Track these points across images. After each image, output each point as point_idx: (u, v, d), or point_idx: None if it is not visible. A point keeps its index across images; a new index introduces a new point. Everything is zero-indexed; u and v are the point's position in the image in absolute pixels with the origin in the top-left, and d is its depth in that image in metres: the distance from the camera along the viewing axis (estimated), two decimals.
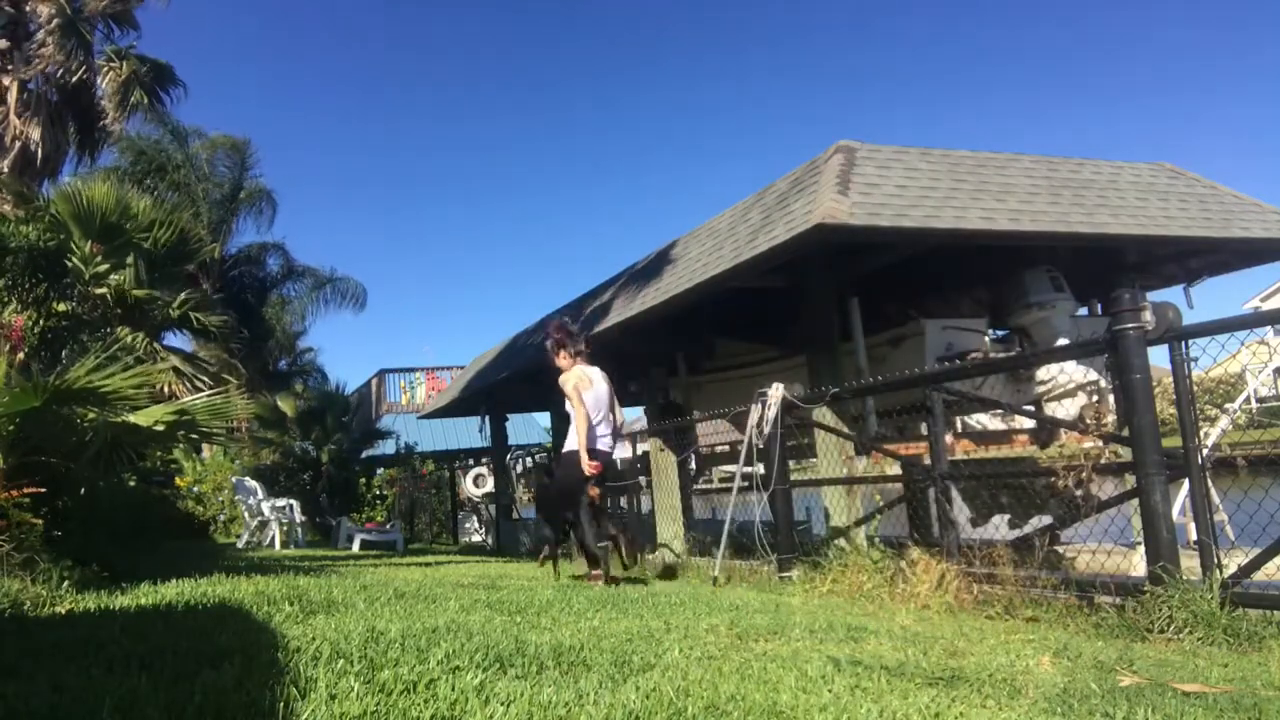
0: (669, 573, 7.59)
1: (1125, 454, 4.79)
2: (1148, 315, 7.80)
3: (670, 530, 9.56)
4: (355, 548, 13.10)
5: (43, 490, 4.70)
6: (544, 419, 24.08)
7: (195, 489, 15.48)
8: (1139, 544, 5.03)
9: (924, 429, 6.68)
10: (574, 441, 6.37)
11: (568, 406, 6.50)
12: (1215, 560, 4.00)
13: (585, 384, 6.46)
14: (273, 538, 12.80)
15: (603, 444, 6.47)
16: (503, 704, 2.12)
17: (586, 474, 6.23)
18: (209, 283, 19.20)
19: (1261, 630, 3.66)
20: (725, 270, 7.64)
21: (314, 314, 24.87)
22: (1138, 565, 5.22)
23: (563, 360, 6.64)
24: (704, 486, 13.02)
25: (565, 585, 5.74)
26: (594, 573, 6.12)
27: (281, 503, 13.56)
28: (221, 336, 10.04)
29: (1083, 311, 9.22)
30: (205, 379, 8.46)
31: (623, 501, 15.10)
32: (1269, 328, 5.11)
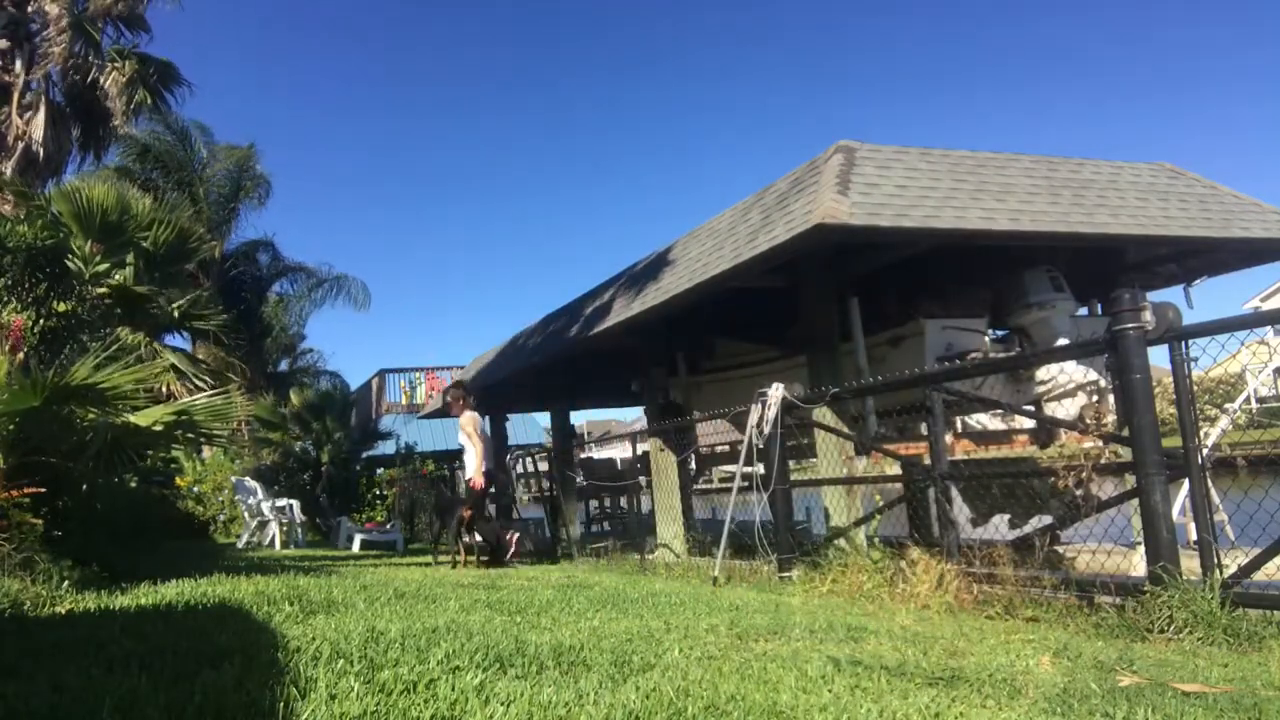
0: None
1: (1125, 454, 4.79)
2: (1148, 315, 7.78)
3: (670, 530, 9.57)
4: (355, 548, 13.06)
5: (43, 490, 4.70)
6: (544, 419, 24.08)
7: (195, 489, 15.45)
8: (1139, 544, 5.02)
9: (924, 429, 6.68)
10: (472, 467, 9.22)
11: (461, 438, 9.54)
12: (1215, 560, 3.99)
13: (477, 423, 9.43)
14: (273, 538, 12.78)
15: (488, 463, 9.44)
16: (503, 704, 2.12)
17: (476, 489, 9.15)
18: (209, 282, 19.19)
19: (1261, 630, 3.66)
20: (725, 270, 7.63)
21: (313, 312, 24.92)
22: (1138, 565, 5.21)
23: (456, 408, 9.58)
24: (704, 486, 13.01)
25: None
26: (463, 558, 9.18)
27: (281, 503, 13.53)
28: (220, 339, 10.03)
29: (1083, 311, 9.21)
30: (206, 379, 8.45)
31: (623, 501, 15.14)
32: (1269, 328, 5.10)
